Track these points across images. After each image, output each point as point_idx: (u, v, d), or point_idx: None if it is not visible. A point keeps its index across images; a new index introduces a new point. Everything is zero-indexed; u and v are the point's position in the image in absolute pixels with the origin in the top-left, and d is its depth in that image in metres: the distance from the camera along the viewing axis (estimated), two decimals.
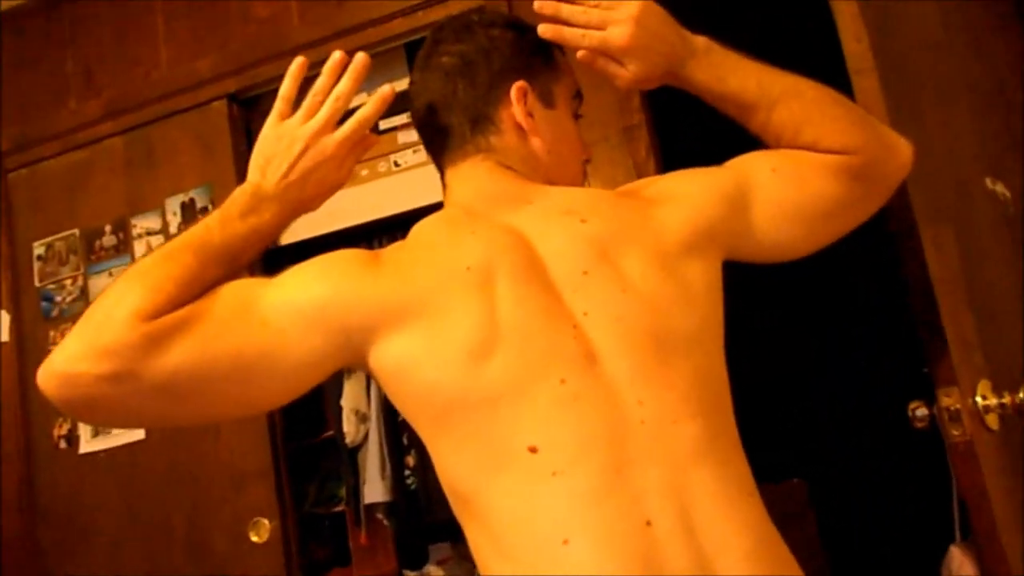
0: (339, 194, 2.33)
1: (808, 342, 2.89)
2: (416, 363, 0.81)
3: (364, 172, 2.27)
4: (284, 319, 0.80)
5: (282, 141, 0.91)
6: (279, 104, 0.93)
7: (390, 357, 0.82)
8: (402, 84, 2.29)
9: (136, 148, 2.38)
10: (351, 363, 0.84)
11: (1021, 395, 1.14)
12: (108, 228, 2.40)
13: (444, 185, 0.99)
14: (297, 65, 0.95)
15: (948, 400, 1.11)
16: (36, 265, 2.46)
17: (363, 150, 0.96)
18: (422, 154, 2.22)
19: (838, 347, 2.92)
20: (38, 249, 2.47)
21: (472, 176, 0.96)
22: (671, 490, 0.77)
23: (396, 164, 2.24)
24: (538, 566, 0.75)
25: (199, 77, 2.30)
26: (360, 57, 0.93)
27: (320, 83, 0.93)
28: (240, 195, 0.89)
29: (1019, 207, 1.38)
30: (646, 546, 0.74)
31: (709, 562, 0.74)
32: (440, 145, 0.98)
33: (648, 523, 0.74)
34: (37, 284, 2.45)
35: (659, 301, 0.86)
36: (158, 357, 0.75)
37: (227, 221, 0.87)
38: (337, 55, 0.93)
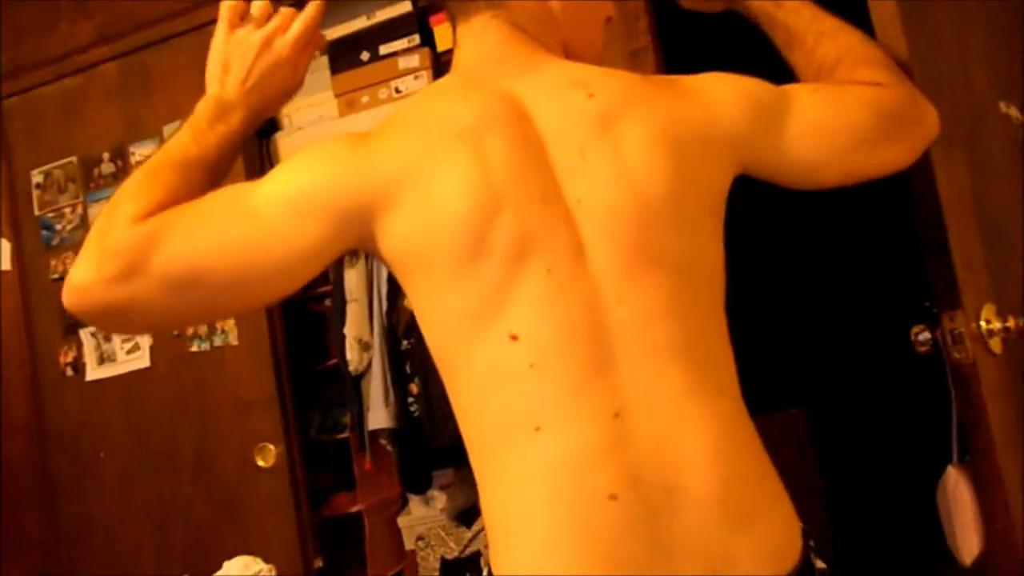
0: (341, 121, 2.31)
1: (810, 267, 2.89)
2: (412, 238, 0.81)
3: (365, 99, 2.23)
4: (274, 211, 0.80)
5: (238, 48, 0.94)
6: (227, 14, 0.96)
7: (393, 237, 0.81)
8: (403, 7, 2.26)
9: (131, 73, 2.34)
10: (358, 247, 0.84)
11: None
12: (106, 156, 2.37)
13: (456, 45, 0.96)
14: None
15: (952, 323, 1.11)
16: (35, 193, 2.44)
17: (313, 50, 0.99)
18: (423, 79, 2.18)
19: (841, 273, 2.92)
20: (36, 177, 2.45)
21: (481, 38, 0.92)
22: (642, 386, 0.78)
23: (397, 90, 2.20)
24: (508, 446, 0.79)
25: None
26: None
27: None
28: (204, 108, 0.92)
29: None
30: (613, 433, 0.77)
31: (671, 446, 0.77)
32: None
33: (616, 415, 0.77)
34: (36, 213, 2.44)
35: (654, 190, 0.82)
36: (155, 251, 0.78)
37: (199, 134, 0.90)
38: None
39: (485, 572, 0.83)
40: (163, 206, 0.81)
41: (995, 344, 1.13)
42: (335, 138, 0.86)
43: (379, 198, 0.80)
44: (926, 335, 1.17)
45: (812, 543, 0.81)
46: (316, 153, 0.85)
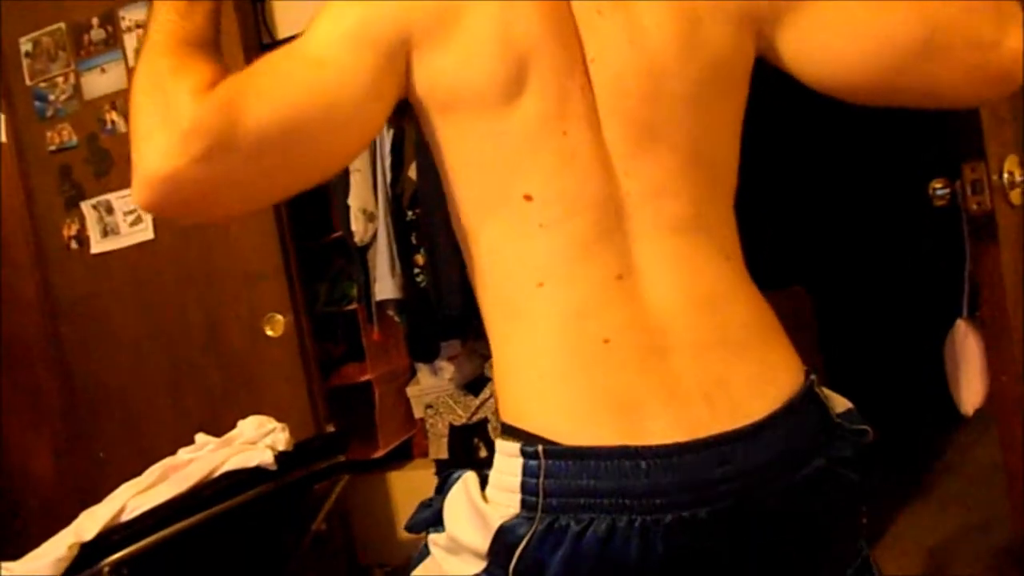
0: None
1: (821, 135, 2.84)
2: (448, 75, 0.79)
3: None
4: (336, 51, 0.77)
5: None
6: None
7: (430, 75, 0.79)
8: None
9: None
10: (404, 88, 0.81)
11: None
12: (95, 21, 2.28)
13: None
14: None
15: (973, 174, 1.09)
16: (25, 63, 2.37)
17: None
18: None
19: (857, 135, 2.87)
20: (25, 46, 2.37)
21: None
22: (647, 254, 0.79)
23: None
24: (514, 303, 0.81)
25: None
26: None
27: None
28: None
29: None
30: (613, 292, 0.78)
31: (668, 300, 0.78)
32: None
33: (619, 277, 0.78)
34: (28, 83, 2.37)
35: (666, 60, 0.79)
36: (242, 116, 0.73)
37: (185, 13, 0.82)
38: None
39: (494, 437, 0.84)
40: (217, 79, 0.75)
41: (1015, 196, 1.11)
42: None
43: (417, 34, 0.78)
44: (944, 189, 1.15)
45: (814, 377, 0.82)
46: None
